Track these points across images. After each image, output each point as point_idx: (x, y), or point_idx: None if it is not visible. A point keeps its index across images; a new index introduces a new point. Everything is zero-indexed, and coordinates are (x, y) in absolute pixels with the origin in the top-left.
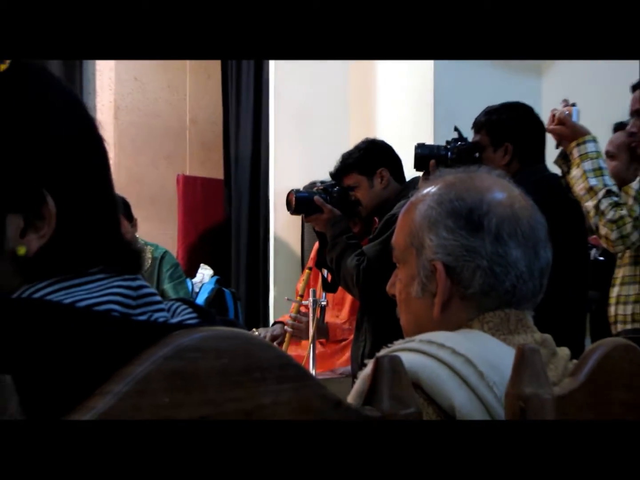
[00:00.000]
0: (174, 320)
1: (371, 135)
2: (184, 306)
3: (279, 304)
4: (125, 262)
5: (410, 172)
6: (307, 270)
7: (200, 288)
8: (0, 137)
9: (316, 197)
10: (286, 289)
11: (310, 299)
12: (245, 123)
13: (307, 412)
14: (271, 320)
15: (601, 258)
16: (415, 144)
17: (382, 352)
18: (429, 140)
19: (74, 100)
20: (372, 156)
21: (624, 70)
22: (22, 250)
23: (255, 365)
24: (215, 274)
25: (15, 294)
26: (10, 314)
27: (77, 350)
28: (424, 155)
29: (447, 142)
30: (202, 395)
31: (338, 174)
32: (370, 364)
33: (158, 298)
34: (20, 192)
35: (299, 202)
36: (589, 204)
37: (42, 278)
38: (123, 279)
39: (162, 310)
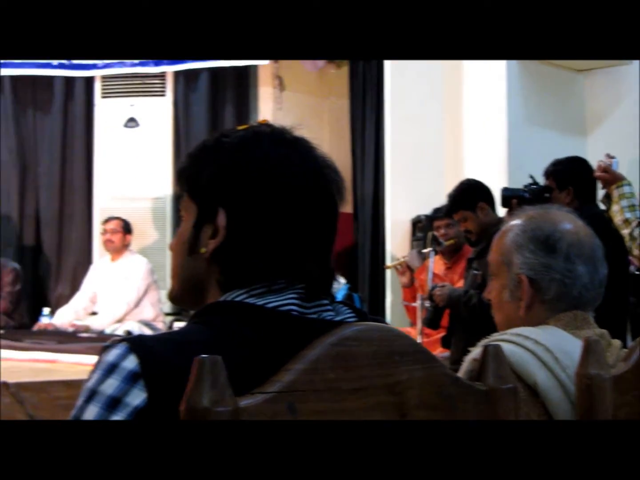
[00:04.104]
0: (338, 318)
1: (462, 177)
2: (345, 307)
3: (393, 306)
4: (310, 278)
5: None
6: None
7: (337, 292)
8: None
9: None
10: (397, 295)
11: (418, 301)
12: (367, 169)
13: (433, 386)
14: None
15: (638, 272)
16: (500, 187)
17: (483, 342)
18: (506, 184)
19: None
20: (473, 194)
21: None
22: (203, 250)
23: (396, 350)
24: (347, 282)
25: (221, 298)
26: (222, 311)
27: (267, 337)
28: (508, 196)
29: (525, 186)
30: (358, 372)
31: (449, 211)
32: (473, 351)
33: (326, 301)
34: (210, 211)
35: None
36: (625, 232)
37: (239, 287)
38: (300, 288)
39: (329, 310)
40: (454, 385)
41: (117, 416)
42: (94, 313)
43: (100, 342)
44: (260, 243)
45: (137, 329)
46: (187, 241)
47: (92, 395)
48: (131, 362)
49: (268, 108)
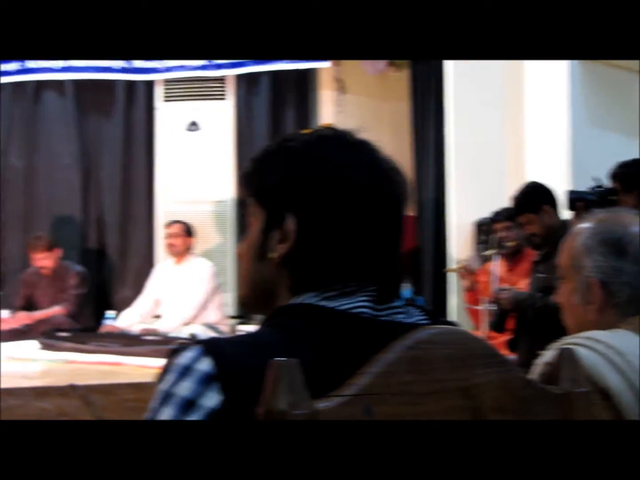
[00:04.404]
0: (410, 320)
1: (524, 179)
2: (416, 309)
3: (456, 310)
4: (381, 280)
5: None
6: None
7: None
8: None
9: None
10: (460, 298)
11: (483, 305)
12: (429, 172)
13: (508, 390)
14: None
15: None
16: (562, 190)
17: (555, 345)
18: (568, 186)
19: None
20: (537, 196)
21: None
22: (272, 255)
23: (471, 353)
24: (410, 286)
25: (292, 301)
26: (294, 314)
27: (340, 340)
28: (574, 198)
29: (590, 188)
30: (433, 375)
31: (513, 214)
32: (545, 354)
33: (398, 304)
34: (278, 216)
35: None
36: None
37: (310, 290)
38: (371, 290)
39: (401, 312)
40: (528, 388)
41: (192, 418)
42: (157, 316)
43: (165, 345)
44: (330, 246)
45: (202, 332)
46: (256, 246)
47: (166, 397)
48: (206, 365)
49: (328, 111)
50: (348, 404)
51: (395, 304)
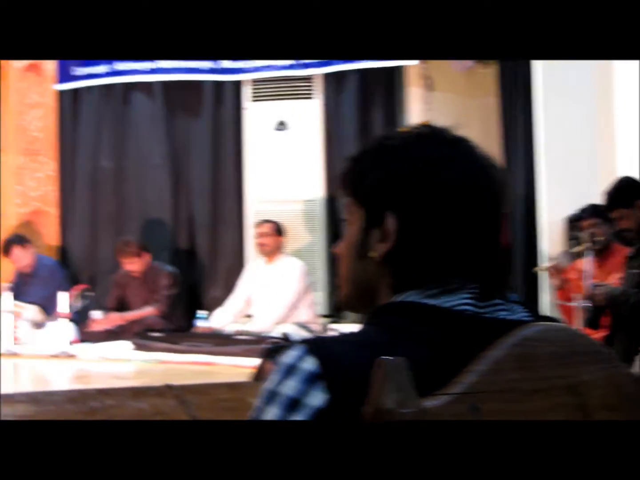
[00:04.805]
0: (514, 317)
1: (615, 175)
2: (520, 307)
3: (548, 307)
4: (483, 277)
5: None
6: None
7: None
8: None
9: None
10: (552, 295)
11: (576, 301)
12: (519, 169)
13: (614, 386)
14: None
15: None
16: None
17: None
18: None
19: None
20: (630, 192)
21: None
22: (373, 254)
23: (577, 350)
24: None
25: (394, 299)
26: (397, 312)
27: (445, 337)
28: None
29: None
30: (539, 373)
31: (606, 209)
32: None
33: (500, 300)
34: (378, 215)
35: None
36: None
37: (412, 288)
38: (473, 288)
39: (504, 310)
40: (635, 385)
41: (297, 417)
42: (248, 316)
43: (257, 344)
44: (431, 244)
45: (294, 331)
46: (356, 245)
47: (271, 396)
48: (310, 364)
49: (416, 109)
50: (454, 402)
51: (498, 301)
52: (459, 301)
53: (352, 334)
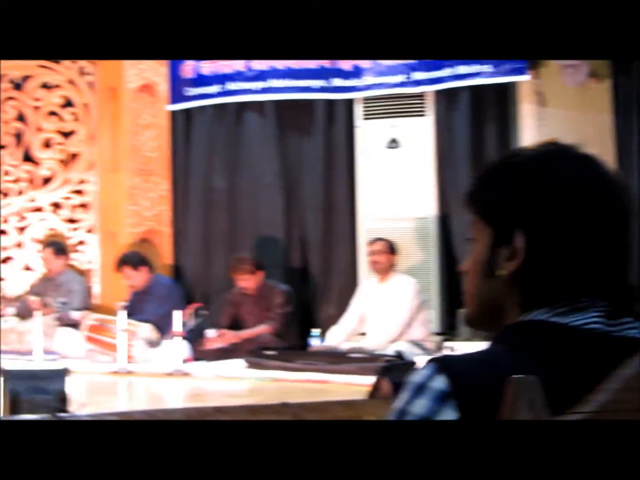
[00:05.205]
0: None
1: None
2: None
3: None
4: (613, 295)
5: None
6: None
7: None
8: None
9: None
10: None
11: None
12: (635, 184)
13: None
14: None
15: None
16: None
17: None
18: None
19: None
20: None
21: None
22: (501, 272)
23: None
24: None
25: (522, 318)
26: (526, 331)
27: (575, 356)
28: None
29: None
30: None
31: None
32: None
33: (629, 319)
34: (506, 234)
35: None
36: None
37: (540, 306)
38: (603, 306)
39: (633, 327)
40: None
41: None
42: (362, 334)
43: (371, 362)
44: (560, 262)
45: (408, 349)
46: (483, 263)
47: (401, 415)
48: (441, 382)
49: (529, 125)
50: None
51: (627, 319)
52: (588, 319)
53: (480, 352)
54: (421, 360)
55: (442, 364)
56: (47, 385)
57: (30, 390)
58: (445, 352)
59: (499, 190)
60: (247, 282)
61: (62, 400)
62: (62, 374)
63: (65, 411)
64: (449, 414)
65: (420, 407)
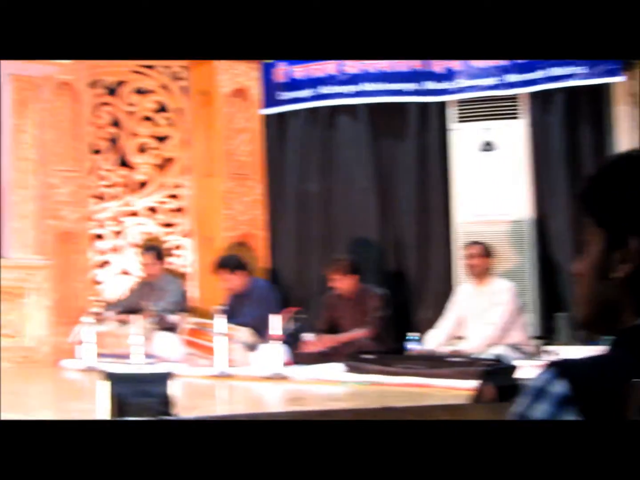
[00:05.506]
0: None
1: None
2: None
3: None
4: None
5: None
6: None
7: None
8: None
9: None
10: None
11: None
12: None
13: None
14: None
15: None
16: None
17: None
18: None
19: None
20: None
21: None
22: (615, 275)
23: None
24: None
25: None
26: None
27: None
28: None
29: None
30: None
31: None
32: None
33: None
34: (621, 237)
35: None
36: None
37: None
38: None
39: None
40: None
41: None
42: (460, 337)
43: (470, 366)
44: None
45: (506, 353)
46: (597, 266)
47: (521, 420)
48: (561, 387)
49: (625, 127)
50: None
51: None
52: None
53: (599, 356)
54: (521, 364)
55: (563, 369)
56: (151, 388)
57: (136, 393)
58: (546, 355)
59: (611, 194)
60: (342, 282)
61: (166, 403)
62: (166, 377)
63: (169, 414)
64: (569, 419)
65: (540, 411)
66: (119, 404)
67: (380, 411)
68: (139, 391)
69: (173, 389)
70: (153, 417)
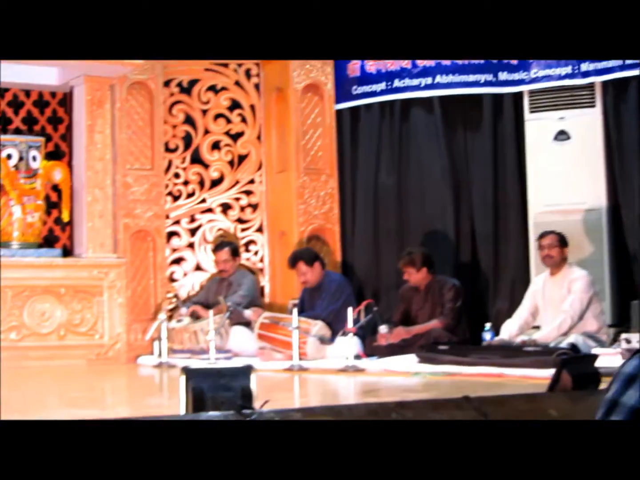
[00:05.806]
0: None
1: None
2: None
3: None
4: None
5: None
6: None
7: None
8: None
9: None
10: None
11: None
12: None
13: None
14: None
15: None
16: None
17: None
18: None
19: None
20: None
21: None
22: None
23: None
24: None
25: None
26: None
27: None
28: None
29: None
30: None
31: None
32: None
33: None
34: None
35: None
36: None
37: None
38: None
39: None
40: None
41: None
42: (535, 327)
43: (545, 355)
44: None
45: (581, 342)
46: None
47: (613, 406)
48: None
49: None
50: None
51: None
52: None
53: None
54: (597, 353)
55: None
56: (231, 382)
57: (214, 387)
58: (621, 344)
59: None
60: (415, 275)
61: (246, 397)
62: (247, 371)
63: (249, 408)
64: None
65: (631, 397)
66: (197, 398)
67: (459, 401)
68: (218, 385)
69: (253, 382)
70: (232, 411)
